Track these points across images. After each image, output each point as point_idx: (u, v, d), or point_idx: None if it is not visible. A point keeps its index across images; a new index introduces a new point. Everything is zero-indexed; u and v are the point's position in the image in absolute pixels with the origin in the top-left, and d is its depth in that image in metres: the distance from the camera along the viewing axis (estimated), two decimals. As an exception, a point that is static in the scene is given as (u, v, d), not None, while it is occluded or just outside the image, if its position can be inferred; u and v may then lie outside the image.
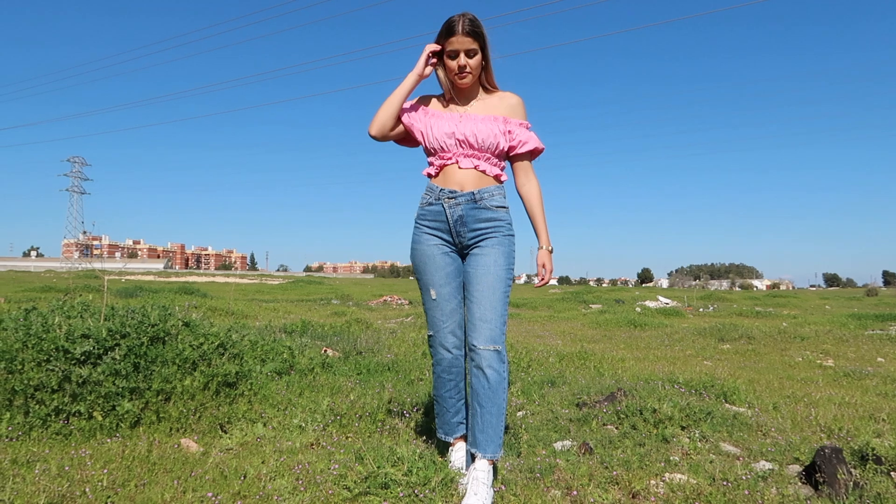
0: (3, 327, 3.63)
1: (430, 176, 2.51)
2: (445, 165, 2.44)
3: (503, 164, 2.50)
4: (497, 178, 2.46)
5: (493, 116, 2.44)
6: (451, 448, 2.61)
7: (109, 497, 2.25)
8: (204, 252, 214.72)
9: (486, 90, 2.53)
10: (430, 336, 2.52)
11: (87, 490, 2.28)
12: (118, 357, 3.32)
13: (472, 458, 2.42)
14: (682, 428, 3.19)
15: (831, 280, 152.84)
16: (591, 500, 2.30)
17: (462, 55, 2.37)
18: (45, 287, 19.24)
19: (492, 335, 2.33)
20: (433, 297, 2.45)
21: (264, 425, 3.23)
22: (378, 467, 2.38)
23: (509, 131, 2.44)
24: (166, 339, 3.66)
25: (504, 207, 2.44)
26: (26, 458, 2.60)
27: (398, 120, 2.51)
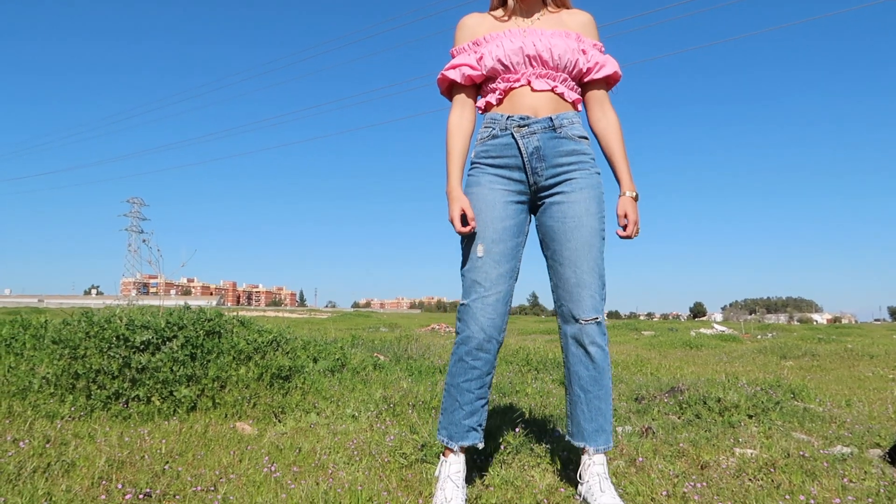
0: (67, 322, 3.76)
1: (488, 107, 2.02)
2: (512, 89, 1.96)
3: (579, 89, 2.04)
4: (575, 104, 2.00)
5: (566, 31, 1.98)
6: (443, 459, 1.94)
7: (168, 462, 2.26)
8: (255, 289, 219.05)
9: (550, 7, 2.07)
10: (461, 306, 1.92)
11: (145, 456, 2.29)
12: (176, 347, 3.38)
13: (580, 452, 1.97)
14: (750, 416, 3.04)
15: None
16: (659, 468, 2.19)
17: None
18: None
19: (593, 303, 1.87)
20: (479, 255, 1.90)
21: (318, 414, 3.22)
22: (434, 438, 2.33)
23: (584, 51, 1.98)
24: (222, 332, 3.71)
25: (587, 138, 1.98)
26: (88, 433, 2.64)
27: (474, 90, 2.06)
